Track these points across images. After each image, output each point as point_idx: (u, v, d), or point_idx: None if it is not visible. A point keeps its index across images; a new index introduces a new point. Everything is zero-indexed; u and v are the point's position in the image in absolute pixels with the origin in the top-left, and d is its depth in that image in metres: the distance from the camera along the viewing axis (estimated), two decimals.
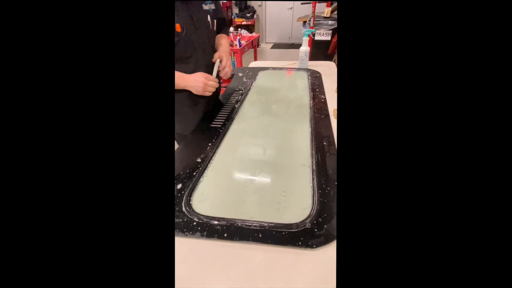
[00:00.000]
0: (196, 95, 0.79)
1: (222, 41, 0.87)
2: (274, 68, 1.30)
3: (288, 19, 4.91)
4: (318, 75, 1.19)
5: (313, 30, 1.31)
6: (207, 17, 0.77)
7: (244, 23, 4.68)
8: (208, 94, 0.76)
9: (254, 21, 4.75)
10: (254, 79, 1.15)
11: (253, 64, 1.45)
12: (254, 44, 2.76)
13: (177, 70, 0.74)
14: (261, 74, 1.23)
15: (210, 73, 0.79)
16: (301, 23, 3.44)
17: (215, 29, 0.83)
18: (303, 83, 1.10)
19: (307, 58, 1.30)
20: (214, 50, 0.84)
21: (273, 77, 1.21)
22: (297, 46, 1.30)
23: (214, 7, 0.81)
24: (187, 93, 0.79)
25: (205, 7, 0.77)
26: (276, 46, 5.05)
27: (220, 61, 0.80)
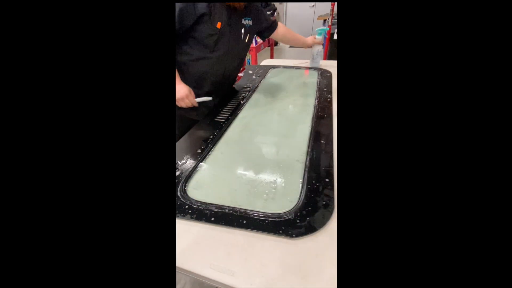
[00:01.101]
0: (203, 80, 0.89)
1: (290, 32, 1.15)
2: (284, 67, 1.31)
3: (309, 17, 4.82)
4: (328, 74, 1.18)
5: (327, 29, 1.26)
6: (241, 29, 0.88)
7: None
8: (179, 105, 0.84)
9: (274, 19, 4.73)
10: (264, 77, 1.17)
11: (265, 62, 1.47)
12: (271, 43, 2.76)
13: (201, 53, 0.84)
14: (271, 72, 1.24)
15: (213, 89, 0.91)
16: (322, 21, 3.38)
17: (246, 41, 0.93)
18: (312, 82, 1.10)
19: (320, 57, 1.28)
20: (239, 57, 0.94)
21: (283, 75, 1.22)
22: None
23: (251, 23, 0.92)
24: (192, 79, 0.87)
25: (243, 21, 0.89)
26: None
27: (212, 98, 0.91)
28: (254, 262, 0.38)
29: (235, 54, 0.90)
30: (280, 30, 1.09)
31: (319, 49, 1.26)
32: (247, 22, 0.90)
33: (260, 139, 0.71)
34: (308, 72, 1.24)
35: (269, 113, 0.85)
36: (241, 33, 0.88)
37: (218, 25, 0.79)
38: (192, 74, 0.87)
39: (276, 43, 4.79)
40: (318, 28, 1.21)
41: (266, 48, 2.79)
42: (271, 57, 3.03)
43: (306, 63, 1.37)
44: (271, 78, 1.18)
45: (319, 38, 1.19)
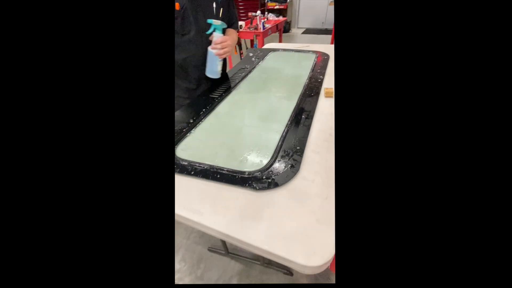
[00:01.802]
0: (186, 68, 0.87)
1: (230, 33, 0.93)
2: (284, 50, 1.33)
3: (323, 3, 4.65)
4: (326, 57, 1.19)
5: (220, 24, 0.79)
6: (212, 3, 0.83)
7: (276, 7, 4.58)
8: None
9: (287, 5, 4.61)
10: (262, 59, 1.21)
11: (267, 45, 1.49)
12: (279, 28, 2.74)
13: (174, 40, 0.81)
14: (270, 55, 1.27)
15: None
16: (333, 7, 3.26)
17: (220, 15, 0.86)
18: (307, 64, 1.12)
19: (213, 64, 0.84)
20: None
21: (281, 58, 1.25)
22: (330, 31, 1.22)
23: None
24: (178, 70, 0.88)
25: None
26: (308, 31, 4.87)
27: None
28: (220, 206, 0.45)
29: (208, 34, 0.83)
30: (231, 29, 0.96)
31: (211, 52, 0.81)
32: None
33: (247, 113, 0.77)
34: (306, 54, 1.26)
35: (260, 91, 0.90)
36: (213, 7, 0.83)
37: (177, 6, 0.75)
38: (175, 65, 0.87)
39: (286, 29, 4.68)
40: (212, 21, 0.79)
41: (275, 34, 2.76)
42: (280, 42, 3.00)
43: (307, 46, 1.38)
44: (270, 60, 1.22)
45: (216, 34, 0.79)
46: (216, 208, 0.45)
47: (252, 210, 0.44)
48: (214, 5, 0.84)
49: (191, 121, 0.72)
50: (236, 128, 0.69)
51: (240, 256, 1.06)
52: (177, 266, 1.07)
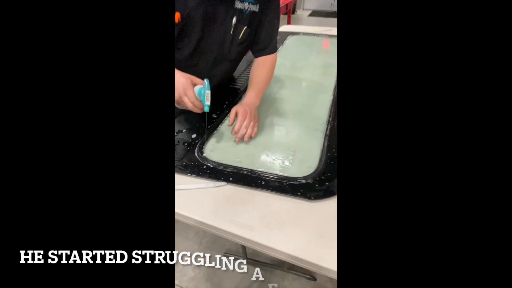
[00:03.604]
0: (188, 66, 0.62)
1: (255, 73, 0.65)
2: (304, 33, 1.22)
3: None
4: None
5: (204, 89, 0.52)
6: (231, 18, 0.58)
7: None
8: (179, 106, 0.55)
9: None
10: (282, 44, 1.10)
11: (284, 28, 1.37)
12: (289, 9, 2.56)
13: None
14: (289, 39, 1.16)
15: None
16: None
17: (239, 37, 0.61)
18: (333, 50, 1.02)
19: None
20: (223, 60, 0.64)
21: (303, 42, 1.14)
22: None
23: (257, 10, 0.59)
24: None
25: (239, 4, 0.57)
26: (314, 13, 4.62)
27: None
28: (271, 219, 0.39)
29: (213, 55, 0.61)
30: (260, 61, 0.68)
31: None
32: (246, 5, 0.57)
33: (278, 107, 0.69)
34: (331, 40, 1.15)
35: (288, 81, 0.81)
36: (231, 25, 0.58)
37: (176, 17, 0.53)
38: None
39: (293, 11, 4.44)
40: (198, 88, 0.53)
41: (283, 15, 2.59)
42: (288, 23, 2.83)
43: (329, 30, 1.26)
44: (290, 45, 1.11)
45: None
46: (268, 222, 0.39)
47: (311, 224, 0.38)
48: (234, 19, 0.58)
49: (215, 116, 0.64)
50: (268, 124, 0.62)
51: (259, 261, 1.01)
52: (191, 273, 1.02)
